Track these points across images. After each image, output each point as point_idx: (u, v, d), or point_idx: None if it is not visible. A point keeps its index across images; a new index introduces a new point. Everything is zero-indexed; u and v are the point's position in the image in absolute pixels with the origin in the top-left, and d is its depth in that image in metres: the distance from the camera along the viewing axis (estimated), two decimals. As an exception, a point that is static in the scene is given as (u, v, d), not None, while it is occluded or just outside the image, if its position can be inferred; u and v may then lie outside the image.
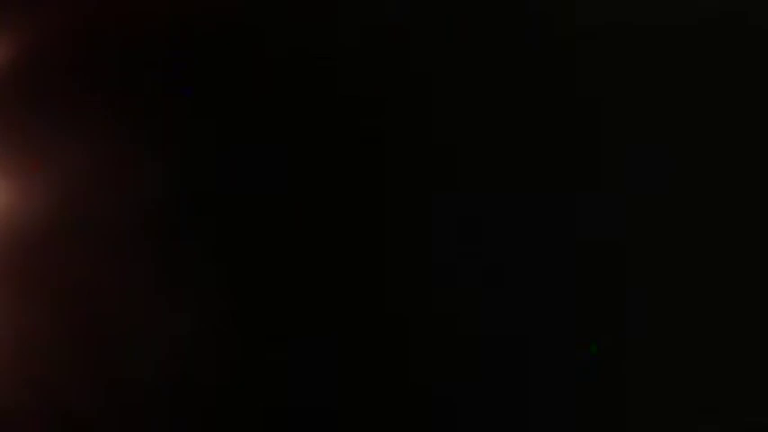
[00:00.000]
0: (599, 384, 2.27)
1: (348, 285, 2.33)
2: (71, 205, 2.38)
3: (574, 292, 2.31)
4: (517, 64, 2.38)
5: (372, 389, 2.29)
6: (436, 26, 2.40)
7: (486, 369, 2.29)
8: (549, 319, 2.30)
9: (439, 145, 2.38)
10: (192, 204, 2.37)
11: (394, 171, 2.37)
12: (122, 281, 2.34)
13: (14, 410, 2.30)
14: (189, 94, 2.39)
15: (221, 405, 2.30)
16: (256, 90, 2.40)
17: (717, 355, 2.27)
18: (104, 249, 2.36)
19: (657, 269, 2.30)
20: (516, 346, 2.30)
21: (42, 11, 2.42)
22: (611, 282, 2.31)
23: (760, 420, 2.24)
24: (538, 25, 2.38)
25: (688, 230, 2.31)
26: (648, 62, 2.36)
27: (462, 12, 2.40)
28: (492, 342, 2.30)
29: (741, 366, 2.27)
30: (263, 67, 2.40)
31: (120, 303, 2.33)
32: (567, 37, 2.38)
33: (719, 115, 2.34)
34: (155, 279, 2.34)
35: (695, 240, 2.31)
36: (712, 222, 2.31)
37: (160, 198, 2.36)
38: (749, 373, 2.26)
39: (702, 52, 2.35)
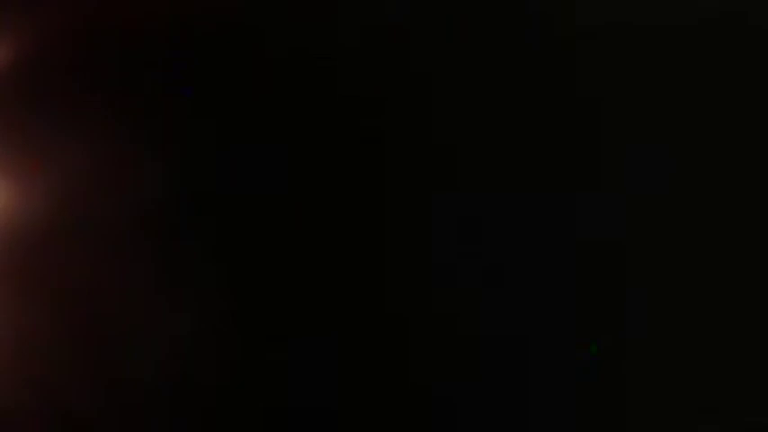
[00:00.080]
0: (599, 384, 2.27)
1: (348, 285, 2.33)
2: (71, 205, 2.38)
3: (574, 292, 2.31)
4: (517, 64, 2.38)
5: (372, 389, 2.29)
6: (436, 26, 2.40)
7: (486, 369, 2.29)
8: (548, 319, 2.30)
9: (439, 145, 2.38)
10: (191, 204, 2.37)
11: (394, 171, 2.37)
12: (122, 281, 2.34)
13: (14, 410, 2.31)
14: (189, 94, 2.39)
15: (221, 405, 2.30)
16: (256, 90, 2.40)
17: (717, 355, 2.27)
18: (104, 249, 2.36)
19: (657, 269, 2.30)
20: (516, 346, 2.30)
21: (42, 11, 2.42)
22: (611, 282, 2.31)
23: (760, 420, 2.24)
24: (538, 25, 2.38)
25: (688, 230, 2.31)
26: (648, 62, 2.36)
27: (462, 12, 2.40)
28: (492, 342, 2.30)
29: (741, 366, 2.27)
30: (263, 67, 2.40)
31: (120, 303, 2.33)
32: (566, 37, 2.38)
33: (719, 115, 2.34)
34: (155, 279, 2.34)
35: (695, 240, 2.31)
36: (712, 222, 2.31)
37: (160, 198, 2.36)
38: (749, 373, 2.26)
39: (702, 52, 2.35)
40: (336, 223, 2.35)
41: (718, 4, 2.36)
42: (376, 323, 2.32)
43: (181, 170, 2.37)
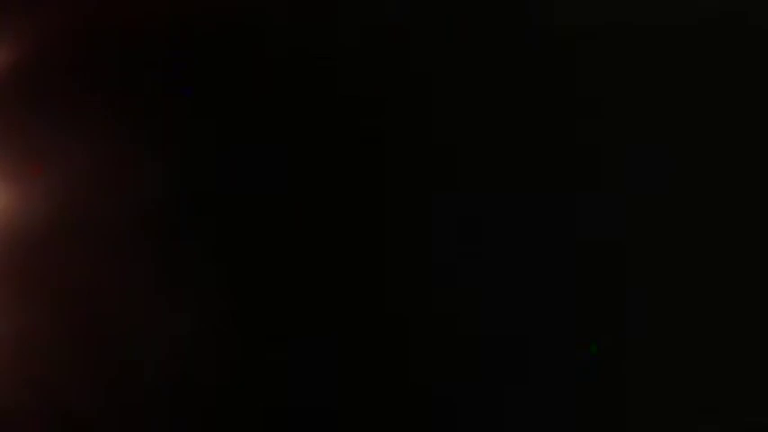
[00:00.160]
0: (599, 384, 2.27)
1: (348, 285, 2.33)
2: (71, 205, 2.38)
3: (574, 292, 2.31)
4: (517, 64, 2.38)
5: (372, 389, 2.29)
6: (436, 26, 2.40)
7: (486, 369, 2.29)
8: (548, 319, 2.30)
9: (439, 145, 2.38)
10: (191, 204, 2.37)
11: (394, 171, 2.37)
12: (122, 281, 2.34)
13: (14, 410, 2.30)
14: (189, 94, 2.39)
15: (221, 405, 2.30)
16: (256, 90, 2.40)
17: (717, 355, 2.27)
18: (104, 249, 2.36)
19: (657, 269, 2.30)
20: (516, 346, 2.30)
21: (42, 11, 2.42)
22: (611, 282, 2.31)
23: (760, 420, 2.24)
24: (538, 25, 2.38)
25: (688, 230, 2.31)
26: (648, 62, 2.36)
27: (462, 12, 2.40)
28: (492, 342, 2.30)
29: (741, 366, 2.27)
30: (263, 67, 2.40)
31: (120, 303, 2.33)
32: (566, 37, 2.38)
33: (719, 115, 2.34)
34: (155, 279, 2.34)
35: (695, 240, 2.31)
36: (712, 222, 2.31)
37: (160, 198, 2.36)
38: (749, 373, 2.26)
39: (702, 52, 2.35)
40: (336, 223, 2.35)
41: (718, 4, 2.36)
42: (376, 323, 2.32)
43: (181, 170, 2.37)
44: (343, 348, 2.31)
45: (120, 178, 2.37)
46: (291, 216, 2.36)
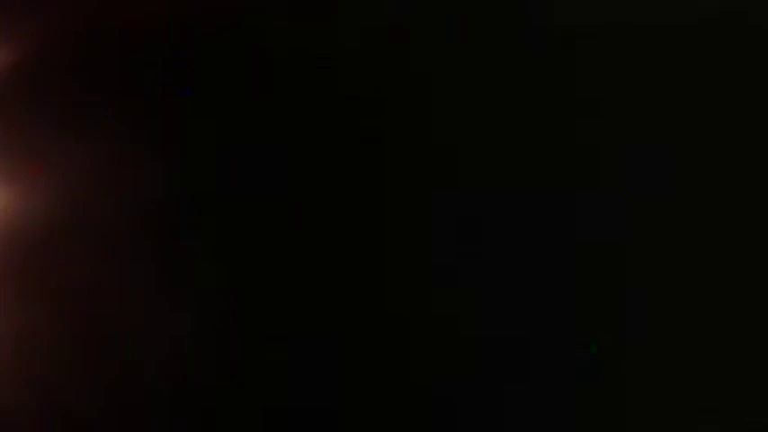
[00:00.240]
0: (599, 384, 2.27)
1: (348, 285, 2.33)
2: (71, 205, 2.38)
3: (574, 292, 2.31)
4: (517, 64, 2.38)
5: (372, 389, 2.29)
6: (436, 26, 2.40)
7: (486, 369, 2.29)
8: (549, 319, 2.30)
9: (439, 145, 2.38)
10: (191, 204, 2.37)
11: (394, 171, 2.37)
12: (122, 281, 2.34)
13: (14, 410, 2.30)
14: (189, 94, 2.39)
15: (221, 405, 2.30)
16: (256, 90, 2.40)
17: (717, 355, 2.27)
18: (104, 249, 2.36)
19: (657, 269, 2.30)
20: (516, 346, 2.30)
21: (42, 11, 2.42)
22: (611, 282, 2.30)
23: (760, 420, 2.24)
24: (538, 25, 2.38)
25: (688, 230, 2.31)
26: (648, 62, 2.36)
27: (462, 12, 2.40)
28: (492, 342, 2.30)
29: (741, 366, 2.27)
30: (263, 67, 2.40)
31: (120, 303, 2.33)
32: (566, 37, 2.38)
33: (719, 115, 2.34)
34: (155, 279, 2.34)
35: (695, 240, 2.31)
36: (712, 222, 2.31)
37: (160, 198, 2.36)
38: (749, 373, 2.26)
39: (702, 52, 2.35)
40: (336, 223, 2.35)
41: (717, 4, 2.36)
42: (376, 323, 2.32)
43: (181, 170, 2.37)
44: (343, 348, 2.31)
45: (120, 178, 2.37)
46: (291, 216, 2.36)
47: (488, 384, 2.29)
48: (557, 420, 2.27)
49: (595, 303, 2.30)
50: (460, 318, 2.31)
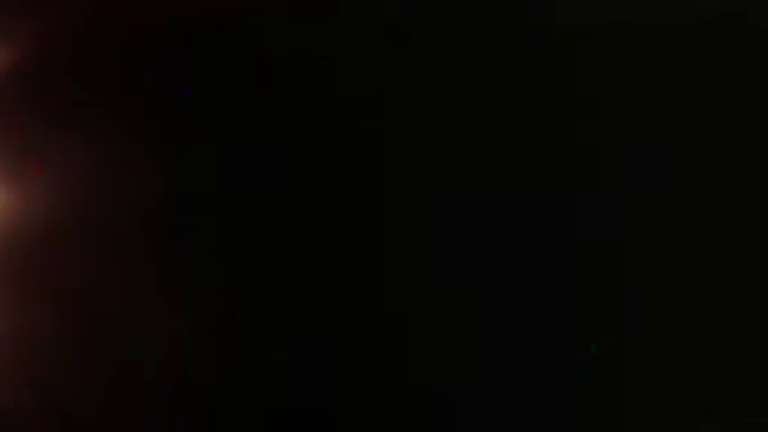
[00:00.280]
0: (599, 384, 2.27)
1: (348, 285, 2.33)
2: (71, 205, 2.38)
3: (574, 291, 2.31)
4: (517, 64, 2.38)
5: (372, 389, 2.29)
6: (436, 26, 2.40)
7: (486, 369, 2.29)
8: (549, 319, 2.30)
9: (439, 145, 2.38)
10: (191, 204, 2.37)
11: (394, 171, 2.37)
12: (122, 281, 2.34)
13: (14, 410, 2.31)
14: (189, 94, 2.39)
15: (221, 405, 2.30)
16: (256, 90, 2.40)
17: (717, 355, 2.27)
18: (104, 249, 2.36)
19: (657, 269, 2.30)
20: (516, 346, 2.30)
21: (42, 11, 2.42)
22: (611, 282, 2.31)
23: (760, 420, 2.24)
24: (538, 25, 2.38)
25: (688, 230, 2.31)
26: (648, 62, 2.36)
27: (462, 12, 2.40)
28: (492, 342, 2.30)
29: (741, 366, 2.27)
30: (263, 67, 2.40)
31: (120, 303, 2.33)
32: (567, 37, 2.38)
33: (719, 115, 2.34)
34: (155, 279, 2.34)
35: (695, 240, 2.31)
36: (712, 222, 2.31)
37: (160, 198, 2.36)
38: (749, 373, 2.26)
39: (702, 52, 2.35)
40: (336, 223, 2.35)
41: (718, 4, 2.36)
42: (376, 323, 2.32)
43: (181, 170, 2.37)
44: (343, 348, 2.31)
45: (120, 178, 2.37)
46: (291, 216, 2.36)
47: (488, 384, 2.29)
48: (557, 420, 2.27)
49: (595, 303, 2.30)
50: (460, 317, 2.31)
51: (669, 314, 2.28)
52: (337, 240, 2.35)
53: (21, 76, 2.41)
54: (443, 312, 2.32)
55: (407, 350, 2.31)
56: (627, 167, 2.33)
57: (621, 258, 2.31)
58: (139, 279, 2.33)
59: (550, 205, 2.34)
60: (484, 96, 2.37)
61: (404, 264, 2.34)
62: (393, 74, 2.39)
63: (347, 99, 2.38)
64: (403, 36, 2.39)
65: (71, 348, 2.32)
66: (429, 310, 2.32)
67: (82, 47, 2.41)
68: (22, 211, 2.37)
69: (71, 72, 2.42)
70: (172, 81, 2.39)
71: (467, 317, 2.31)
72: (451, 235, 2.34)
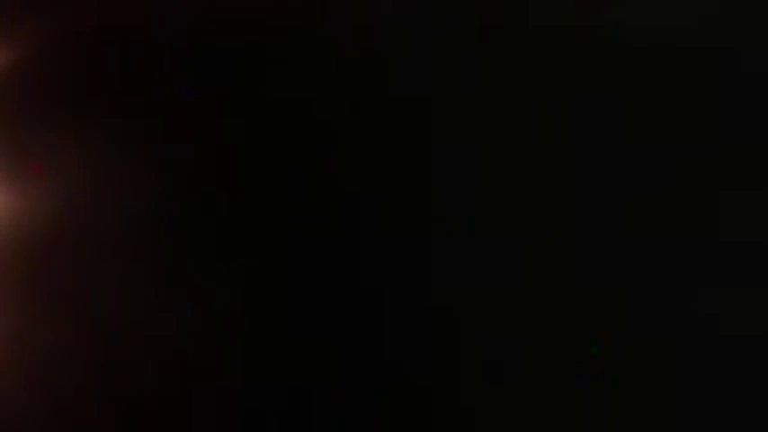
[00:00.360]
0: (599, 384, 2.27)
1: (348, 285, 2.34)
2: (71, 205, 2.38)
3: (574, 291, 2.31)
4: (517, 64, 2.38)
5: (372, 388, 2.30)
6: (435, 26, 2.40)
7: (487, 369, 2.29)
8: (549, 319, 2.30)
9: (439, 145, 2.38)
10: (191, 204, 2.37)
11: (394, 171, 2.37)
12: (122, 281, 2.34)
13: (14, 411, 2.31)
14: (189, 95, 2.40)
15: (221, 405, 2.31)
16: (256, 90, 2.40)
17: (716, 355, 2.27)
18: (104, 249, 2.36)
19: (657, 269, 2.30)
20: (517, 346, 2.30)
21: (42, 11, 2.42)
22: (610, 281, 2.31)
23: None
24: (538, 25, 2.38)
25: (688, 230, 2.31)
26: (648, 62, 2.36)
27: (462, 12, 2.40)
28: (492, 342, 2.30)
29: (741, 366, 2.27)
30: (264, 66, 2.41)
31: (120, 303, 2.33)
32: (567, 37, 2.38)
33: (719, 115, 2.34)
34: (155, 279, 2.34)
35: (695, 240, 2.31)
36: (712, 222, 2.31)
37: (160, 199, 2.36)
38: (749, 372, 2.26)
39: (702, 52, 2.35)
40: (337, 223, 2.36)
41: (718, 4, 2.36)
42: (376, 323, 2.32)
43: (181, 170, 2.37)
44: (343, 348, 2.31)
45: (120, 178, 2.38)
46: (291, 216, 2.36)
47: (488, 384, 2.29)
48: (557, 420, 2.27)
49: (595, 303, 2.30)
50: (460, 319, 2.31)
51: (670, 314, 2.29)
52: (337, 240, 2.35)
53: (21, 76, 2.41)
54: (443, 312, 2.32)
55: (407, 350, 2.31)
56: (627, 167, 2.33)
57: (621, 258, 2.31)
58: (139, 279, 2.34)
59: (551, 205, 2.34)
60: (484, 96, 2.37)
61: (404, 263, 2.34)
62: (392, 74, 2.39)
63: (347, 99, 2.39)
64: (402, 36, 2.40)
65: (71, 348, 2.32)
66: (429, 309, 2.32)
67: (82, 48, 2.41)
68: (22, 211, 2.37)
69: (71, 72, 2.42)
70: (171, 81, 2.39)
71: (467, 317, 2.31)
72: (451, 234, 2.34)
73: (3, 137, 2.42)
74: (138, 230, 2.36)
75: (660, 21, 2.37)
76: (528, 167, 2.35)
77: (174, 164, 2.38)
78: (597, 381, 2.27)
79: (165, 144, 2.38)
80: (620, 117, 2.35)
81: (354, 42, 2.39)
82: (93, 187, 2.38)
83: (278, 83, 2.40)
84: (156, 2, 2.41)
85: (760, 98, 2.33)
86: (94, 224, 2.37)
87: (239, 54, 2.40)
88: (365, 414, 2.29)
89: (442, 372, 2.30)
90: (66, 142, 2.39)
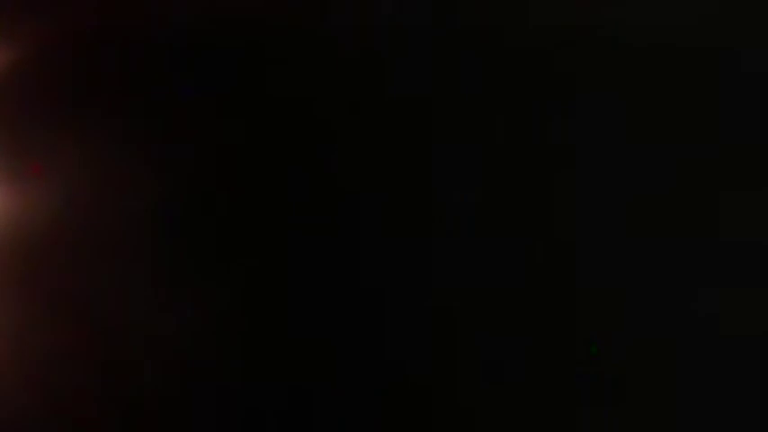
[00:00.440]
0: (599, 384, 2.27)
1: (348, 285, 2.33)
2: (72, 205, 2.38)
3: (574, 291, 2.31)
4: (517, 64, 2.38)
5: (372, 388, 2.30)
6: (435, 26, 2.40)
7: (487, 369, 2.29)
8: (549, 319, 2.30)
9: (439, 145, 2.38)
10: (191, 204, 2.37)
11: (394, 171, 2.37)
12: (122, 280, 2.34)
13: (14, 411, 2.31)
14: (189, 95, 2.39)
15: (221, 405, 2.31)
16: (256, 90, 2.40)
17: (716, 355, 2.27)
18: (104, 249, 2.36)
19: (657, 269, 2.30)
20: (517, 346, 2.30)
21: (42, 11, 2.42)
22: (610, 281, 2.31)
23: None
24: (538, 25, 2.38)
25: (688, 230, 2.31)
26: (648, 62, 2.36)
27: (462, 12, 2.40)
28: (492, 342, 2.30)
29: (741, 366, 2.27)
30: (264, 66, 2.41)
31: (120, 303, 2.33)
32: (567, 37, 2.38)
33: (719, 115, 2.34)
34: (155, 279, 2.34)
35: (695, 240, 2.31)
36: (712, 222, 2.31)
37: (160, 199, 2.36)
38: (749, 372, 2.26)
39: (702, 52, 2.35)
40: (337, 223, 2.36)
41: (718, 4, 2.36)
42: (376, 323, 2.32)
43: (181, 170, 2.37)
44: (343, 348, 2.31)
45: (120, 178, 2.38)
46: (291, 216, 2.36)
47: (488, 384, 2.29)
48: (557, 420, 2.27)
49: (595, 303, 2.30)
50: (460, 319, 2.31)
51: (670, 314, 2.29)
52: (337, 240, 2.35)
53: (21, 76, 2.41)
54: (443, 312, 2.32)
55: (407, 350, 2.31)
56: (627, 167, 2.33)
57: (621, 258, 2.31)
58: (139, 279, 2.34)
59: (551, 205, 2.34)
60: (484, 96, 2.37)
61: (404, 263, 2.34)
62: (392, 75, 2.39)
63: (347, 99, 2.39)
64: (402, 36, 2.40)
65: (71, 348, 2.32)
66: (429, 310, 2.32)
67: (82, 47, 2.41)
68: (22, 211, 2.37)
69: (71, 72, 2.42)
70: (171, 81, 2.39)
71: (467, 317, 2.31)
72: (451, 233, 2.34)
73: (3, 137, 2.42)
74: (138, 230, 2.36)
75: (660, 21, 2.37)
76: (528, 167, 2.35)
77: (174, 164, 2.38)
78: (597, 381, 2.27)
79: (165, 144, 2.38)
80: (620, 117, 2.35)
81: (354, 42, 2.39)
82: (93, 187, 2.38)
83: (278, 83, 2.40)
84: (156, 2, 2.41)
85: (760, 98, 2.33)
86: (94, 224, 2.37)
87: (239, 54, 2.40)
88: (365, 414, 2.29)
89: (442, 372, 2.30)
90: (66, 142, 2.39)
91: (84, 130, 2.40)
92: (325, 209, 2.36)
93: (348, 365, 2.30)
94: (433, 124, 2.38)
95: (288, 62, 2.40)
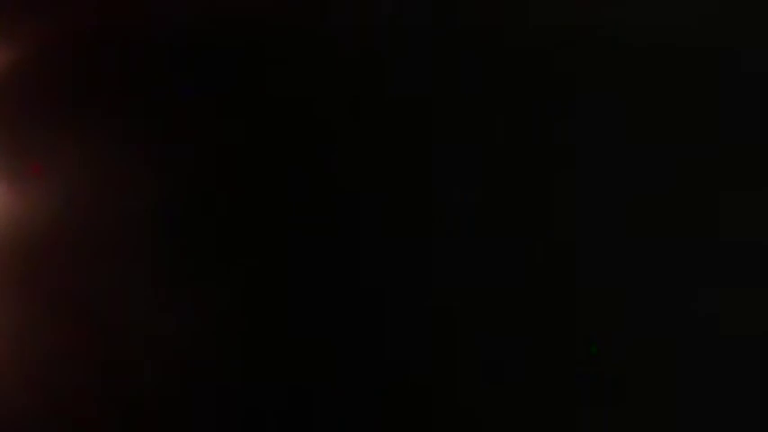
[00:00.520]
0: (599, 384, 2.27)
1: (348, 285, 2.33)
2: (72, 205, 2.38)
3: (574, 291, 2.31)
4: (517, 64, 2.38)
5: (372, 388, 2.30)
6: (435, 26, 2.40)
7: (487, 369, 2.29)
8: (549, 319, 2.30)
9: (439, 145, 2.38)
10: (191, 204, 2.37)
11: (394, 171, 2.37)
12: (122, 280, 2.34)
13: (14, 411, 2.31)
14: (189, 95, 2.39)
15: (221, 405, 2.31)
16: (256, 90, 2.40)
17: (716, 355, 2.27)
18: (104, 249, 2.36)
19: (657, 269, 2.30)
20: (517, 346, 2.30)
21: (42, 11, 2.42)
22: (610, 281, 2.30)
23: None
24: (538, 25, 2.38)
25: (688, 230, 2.31)
26: (648, 62, 2.36)
27: (462, 12, 2.40)
28: (492, 342, 2.30)
29: (741, 366, 2.27)
30: (264, 66, 2.41)
31: (120, 303, 2.33)
32: (566, 37, 2.38)
33: (719, 115, 2.34)
34: (155, 279, 2.34)
35: (695, 240, 2.31)
36: (712, 222, 2.31)
37: (160, 199, 2.36)
38: (749, 372, 2.26)
39: (702, 52, 2.35)
40: (337, 223, 2.36)
41: (718, 4, 2.36)
42: (376, 323, 2.32)
43: (181, 170, 2.37)
44: (343, 348, 2.31)
45: (120, 178, 2.38)
46: (292, 216, 2.36)
47: (488, 384, 2.29)
48: (558, 420, 2.27)
49: (595, 303, 2.30)
50: (460, 319, 2.31)
51: (671, 314, 2.29)
52: (337, 240, 2.35)
53: (21, 76, 2.41)
54: (443, 313, 2.32)
55: (407, 350, 2.31)
56: (627, 167, 2.33)
57: (621, 258, 2.31)
58: (139, 279, 2.34)
59: (551, 204, 2.34)
60: (483, 96, 2.37)
61: (404, 263, 2.34)
62: (392, 75, 2.39)
63: (347, 99, 2.39)
64: (402, 36, 2.40)
65: (71, 348, 2.32)
66: (429, 310, 2.32)
67: (82, 47, 2.41)
68: (22, 211, 2.37)
69: (71, 72, 2.42)
70: (171, 81, 2.39)
71: (467, 317, 2.31)
72: (452, 232, 2.34)
73: (3, 137, 2.42)
74: (138, 230, 2.36)
75: (660, 21, 2.37)
76: (528, 167, 2.35)
77: (174, 164, 2.38)
78: (597, 381, 2.27)
79: (165, 144, 2.38)
80: (620, 117, 2.35)
81: (354, 42, 2.39)
82: (93, 187, 2.38)
83: (278, 83, 2.40)
84: (156, 2, 2.41)
85: (760, 98, 2.33)
86: (94, 224, 2.37)
87: (239, 54, 2.40)
88: (365, 414, 2.29)
89: (442, 372, 2.30)
90: (66, 142, 2.39)
91: (84, 130, 2.40)
92: (325, 209, 2.36)
93: (348, 365, 2.30)
94: (433, 124, 2.38)
95: (288, 62, 2.40)
